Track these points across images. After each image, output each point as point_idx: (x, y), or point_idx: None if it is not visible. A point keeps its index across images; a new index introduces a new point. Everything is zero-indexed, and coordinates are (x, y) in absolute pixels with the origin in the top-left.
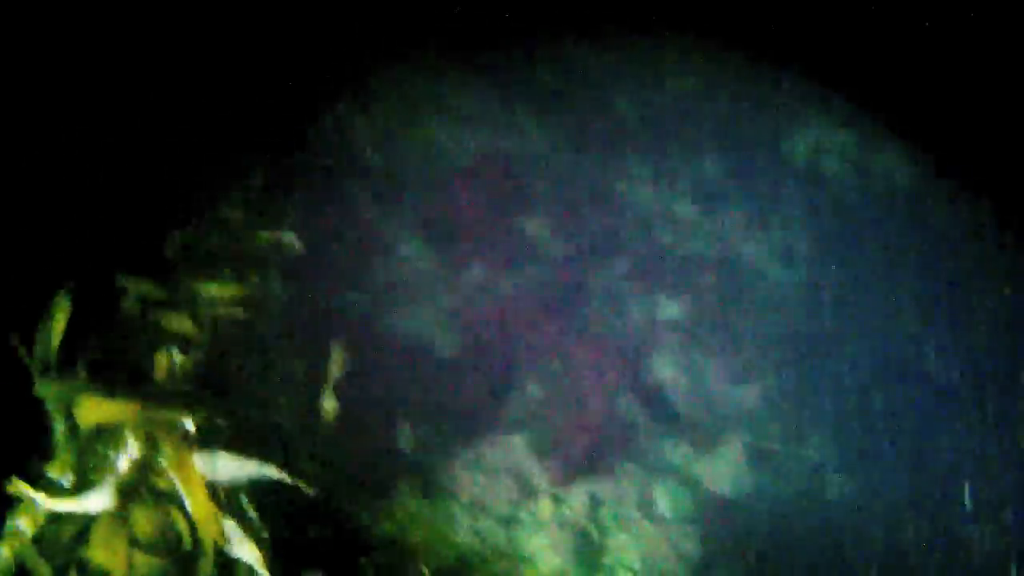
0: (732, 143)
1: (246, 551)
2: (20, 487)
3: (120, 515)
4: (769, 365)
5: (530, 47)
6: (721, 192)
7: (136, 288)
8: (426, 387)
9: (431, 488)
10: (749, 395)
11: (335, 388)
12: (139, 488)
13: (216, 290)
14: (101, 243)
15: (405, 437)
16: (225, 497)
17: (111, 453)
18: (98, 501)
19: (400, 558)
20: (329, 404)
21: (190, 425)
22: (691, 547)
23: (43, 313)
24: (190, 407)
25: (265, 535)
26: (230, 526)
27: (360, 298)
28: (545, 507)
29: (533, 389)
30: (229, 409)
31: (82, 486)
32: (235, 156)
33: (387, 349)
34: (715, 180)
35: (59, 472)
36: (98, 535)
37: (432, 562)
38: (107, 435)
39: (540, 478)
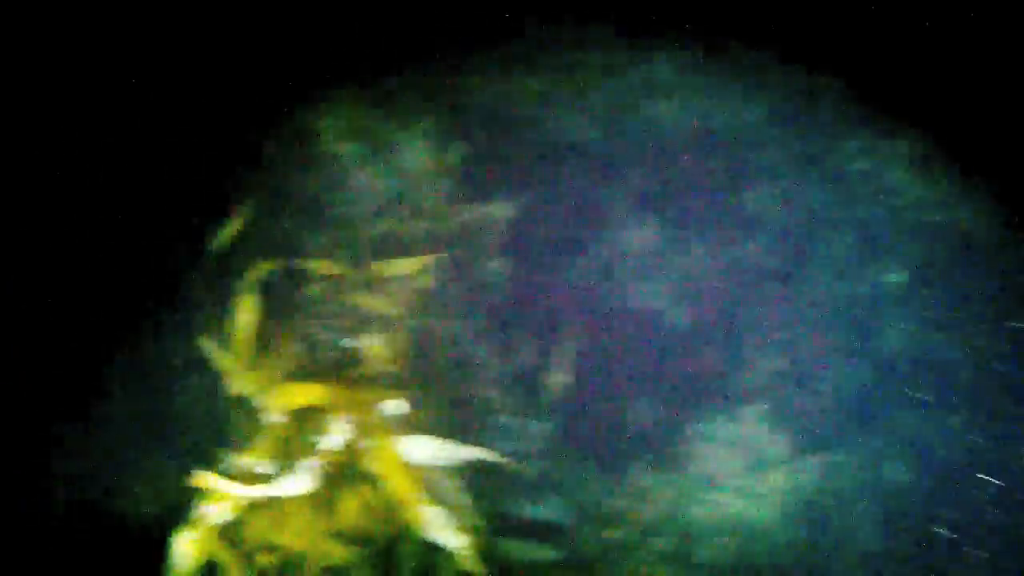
0: (937, 110)
1: (450, 536)
2: (208, 478)
3: (317, 501)
4: (992, 331)
5: (727, 25)
6: (931, 159)
7: (327, 270)
8: (656, 361)
9: (663, 462)
10: (973, 361)
11: (563, 363)
12: (339, 473)
13: (411, 267)
14: (285, 231)
15: (636, 411)
16: (431, 481)
17: (311, 439)
18: (296, 486)
19: (633, 533)
20: (556, 379)
21: (395, 408)
22: (923, 516)
23: (231, 301)
24: (395, 389)
25: (478, 519)
26: (434, 511)
27: (583, 273)
28: (778, 479)
29: (764, 360)
30: (438, 390)
31: (279, 473)
32: (435, 133)
33: (614, 323)
34: (923, 148)
35: (255, 460)
36: (293, 521)
37: (665, 536)
38: (307, 421)
39: (773, 449)
